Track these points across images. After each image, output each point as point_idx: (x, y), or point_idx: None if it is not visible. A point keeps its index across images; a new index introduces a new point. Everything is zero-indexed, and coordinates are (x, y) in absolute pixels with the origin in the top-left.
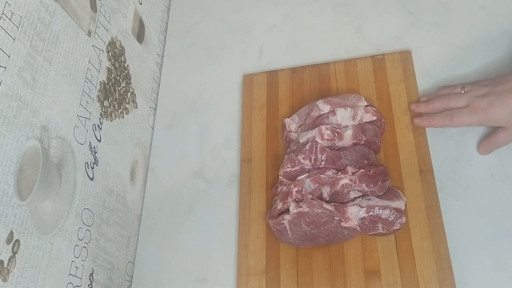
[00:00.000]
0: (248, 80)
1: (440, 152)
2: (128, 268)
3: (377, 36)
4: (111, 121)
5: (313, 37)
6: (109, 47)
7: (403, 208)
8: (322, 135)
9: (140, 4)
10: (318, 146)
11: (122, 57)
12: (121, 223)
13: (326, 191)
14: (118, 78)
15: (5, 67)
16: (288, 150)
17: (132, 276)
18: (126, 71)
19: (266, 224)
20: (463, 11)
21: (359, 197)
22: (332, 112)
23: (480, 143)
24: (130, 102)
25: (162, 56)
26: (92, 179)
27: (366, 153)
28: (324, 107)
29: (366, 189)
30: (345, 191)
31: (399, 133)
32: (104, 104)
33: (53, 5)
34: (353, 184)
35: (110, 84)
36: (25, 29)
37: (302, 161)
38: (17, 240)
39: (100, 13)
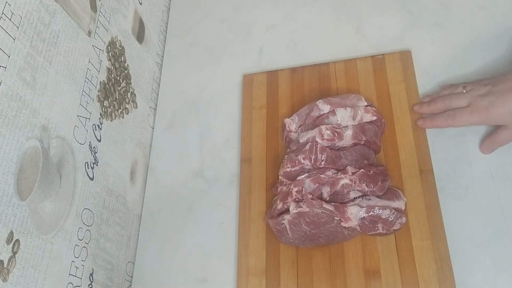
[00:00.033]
0: (248, 80)
1: (440, 152)
2: (128, 268)
3: (377, 36)
4: (111, 121)
5: (313, 37)
6: (109, 47)
7: (403, 208)
8: (322, 135)
9: (140, 4)
10: (318, 146)
11: (122, 57)
12: (121, 223)
13: (326, 191)
14: (118, 78)
15: (5, 67)
16: (288, 150)
17: (132, 276)
18: (126, 71)
19: (266, 224)
20: (463, 11)
21: (359, 197)
22: (332, 112)
23: (482, 142)
24: (130, 102)
25: (162, 56)
26: (92, 179)
27: (366, 153)
28: (324, 107)
29: (366, 189)
30: (345, 191)
31: (399, 133)
32: (104, 104)
33: (53, 5)
34: (353, 184)
35: (110, 84)
36: (25, 29)
37: (302, 161)
38: (17, 240)
39: (100, 13)
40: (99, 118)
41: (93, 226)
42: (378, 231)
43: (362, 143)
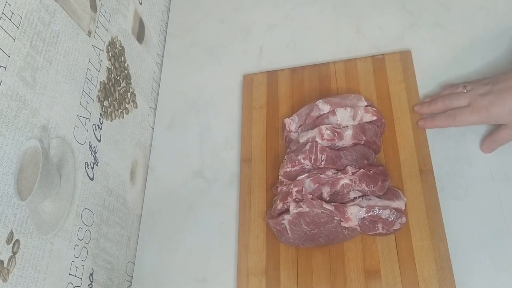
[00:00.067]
0: (248, 80)
1: (440, 152)
2: (128, 268)
3: (377, 36)
4: (111, 121)
5: (313, 37)
6: (109, 47)
7: (403, 208)
8: (322, 135)
9: (140, 4)
10: (318, 146)
11: (122, 57)
12: (121, 223)
13: (326, 191)
14: (118, 78)
15: (5, 67)
16: (288, 150)
17: (132, 276)
18: (126, 71)
19: (266, 224)
20: (463, 11)
21: (359, 197)
22: (332, 112)
23: (482, 142)
24: (130, 102)
25: (162, 56)
26: (92, 179)
27: (366, 153)
28: (324, 107)
29: (366, 189)
30: (345, 191)
31: (399, 133)
32: (104, 104)
33: (53, 5)
34: (353, 184)
35: (110, 84)
36: (25, 29)
37: (302, 161)
38: (17, 240)
39: (100, 13)
40: (99, 118)
41: (93, 226)
42: (378, 231)
43: (362, 143)
